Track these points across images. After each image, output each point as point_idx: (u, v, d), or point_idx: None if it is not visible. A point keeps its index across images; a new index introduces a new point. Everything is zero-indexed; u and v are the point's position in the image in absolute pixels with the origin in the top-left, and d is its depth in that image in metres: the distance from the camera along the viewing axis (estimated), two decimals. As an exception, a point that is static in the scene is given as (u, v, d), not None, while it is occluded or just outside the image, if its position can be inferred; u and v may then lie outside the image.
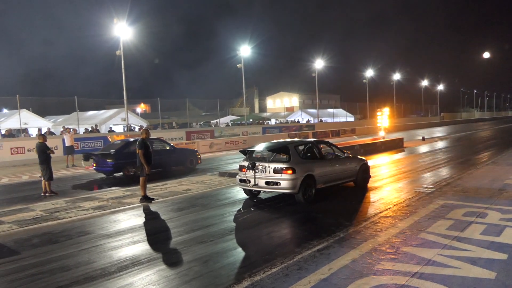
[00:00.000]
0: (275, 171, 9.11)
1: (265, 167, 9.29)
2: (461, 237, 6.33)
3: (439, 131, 42.71)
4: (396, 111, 66.96)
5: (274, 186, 9.17)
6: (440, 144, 26.12)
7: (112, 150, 15.06)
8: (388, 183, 12.28)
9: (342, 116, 65.28)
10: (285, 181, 9.03)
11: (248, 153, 9.93)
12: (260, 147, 10.05)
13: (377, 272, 5.04)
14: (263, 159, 9.73)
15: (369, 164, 11.87)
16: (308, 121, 58.23)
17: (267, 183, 9.23)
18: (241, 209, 9.37)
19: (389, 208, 8.74)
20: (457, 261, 5.34)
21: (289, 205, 9.54)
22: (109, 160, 14.63)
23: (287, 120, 61.42)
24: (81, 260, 6.09)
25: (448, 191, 10.16)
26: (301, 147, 10.05)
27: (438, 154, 19.76)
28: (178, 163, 16.53)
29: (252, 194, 10.37)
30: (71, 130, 21.78)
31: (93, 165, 15.40)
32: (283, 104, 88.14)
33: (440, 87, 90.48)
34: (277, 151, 9.72)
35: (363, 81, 62.95)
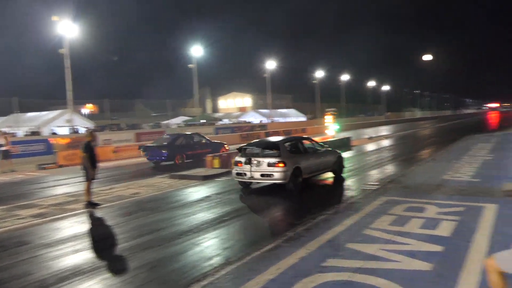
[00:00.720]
0: (269, 164, 10.59)
1: (259, 161, 10.74)
2: (402, 232, 6.63)
3: (384, 130, 44.53)
4: (345, 110, 69.28)
5: (268, 178, 10.66)
6: (386, 143, 27.27)
7: (165, 143, 18.65)
8: (336, 181, 12.64)
9: (293, 116, 66.50)
10: (277, 173, 10.52)
11: (242, 150, 11.47)
12: (253, 144, 11.55)
13: (323, 269, 5.15)
14: (256, 154, 11.00)
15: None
16: (260, 121, 58.72)
17: (262, 175, 10.72)
18: (192, 211, 9.25)
19: (337, 205, 8.99)
20: (398, 255, 5.58)
21: (239, 210, 9.54)
22: (164, 151, 18.00)
23: (239, 120, 61.55)
24: (17, 273, 5.71)
25: (392, 187, 10.62)
26: (288, 144, 11.59)
27: (383, 152, 20.64)
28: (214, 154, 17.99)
29: (246, 185, 11.77)
30: (7, 132, 20.40)
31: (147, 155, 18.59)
32: (235, 104, 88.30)
33: (386, 87, 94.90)
34: (269, 148, 11.10)
35: (313, 81, 64.50)
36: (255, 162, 10.80)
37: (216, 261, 5.91)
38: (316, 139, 25.69)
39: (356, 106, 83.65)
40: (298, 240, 6.52)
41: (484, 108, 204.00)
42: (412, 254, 5.57)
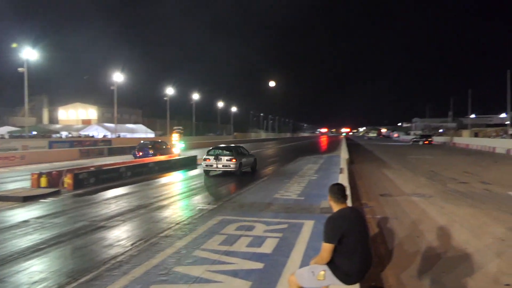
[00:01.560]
0: (227, 160, 18.45)
1: (221, 158, 18.52)
2: (230, 251, 6.83)
3: None
4: (195, 129, 70.23)
5: (227, 168, 18.52)
6: None
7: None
8: (175, 201, 12.52)
9: (142, 132, 64.33)
10: (232, 165, 18.39)
11: (209, 151, 19.31)
12: (217, 147, 19.81)
13: (144, 298, 4.89)
14: (219, 154, 18.80)
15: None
16: (104, 136, 54.97)
17: (223, 165, 18.46)
18: (1, 239, 7.87)
19: (171, 227, 8.83)
20: (221, 275, 5.69)
21: (61, 235, 8.55)
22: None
23: (80, 134, 56.52)
24: None
25: (227, 206, 10.99)
26: (236, 148, 19.96)
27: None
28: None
29: (209, 174, 19.03)
30: None
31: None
32: (78, 116, 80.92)
33: (234, 108, 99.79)
34: (226, 150, 19.22)
35: (165, 98, 63.75)
36: (218, 158, 18.58)
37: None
38: (163, 157, 25.37)
39: (206, 124, 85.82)
40: (122, 267, 6.11)
41: (316, 132, 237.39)
42: (235, 273, 5.75)
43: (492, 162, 26.93)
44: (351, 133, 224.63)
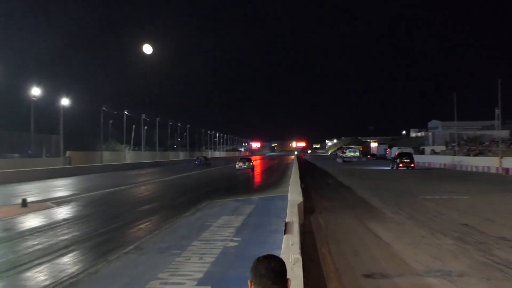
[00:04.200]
0: (249, 164, 39.91)
1: (245, 162, 40.28)
2: None
3: (62, 187, 24.17)
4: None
5: (248, 167, 38.55)
6: (61, 213, 14.47)
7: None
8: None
9: None
10: (251, 166, 39.72)
11: (240, 158, 47.05)
12: (242, 159, 46.78)
13: None
14: (244, 160, 42.18)
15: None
16: None
17: (247, 167, 38.52)
18: None
19: None
20: None
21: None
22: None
23: None
24: None
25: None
26: (249, 158, 50.48)
27: (58, 232, 10.97)
28: None
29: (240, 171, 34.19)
30: None
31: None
32: None
33: (65, 102, 38.26)
34: (246, 160, 43.44)
35: None
36: (245, 162, 39.00)
37: None
38: None
39: (9, 136, 35.97)
40: None
41: (240, 150, 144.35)
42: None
43: None
44: (309, 151, 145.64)
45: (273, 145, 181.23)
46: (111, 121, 51.40)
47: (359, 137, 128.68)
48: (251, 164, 39.09)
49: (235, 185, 26.19)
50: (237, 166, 37.90)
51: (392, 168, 39.80)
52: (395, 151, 52.54)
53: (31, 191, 20.53)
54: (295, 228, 6.87)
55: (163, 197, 19.47)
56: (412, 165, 38.51)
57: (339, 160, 65.16)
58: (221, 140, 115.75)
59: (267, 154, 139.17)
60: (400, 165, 38.54)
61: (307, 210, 12.06)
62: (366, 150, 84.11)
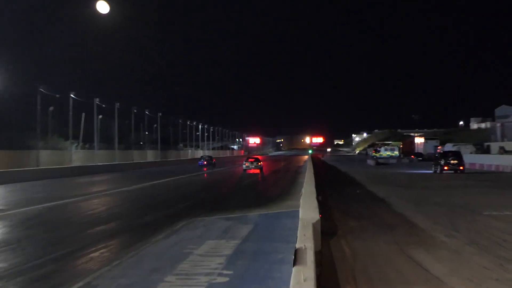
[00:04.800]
0: (257, 164, 34.98)
1: (252, 162, 35.34)
2: None
3: None
4: None
5: (256, 167, 34.35)
6: None
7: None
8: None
9: None
10: (259, 166, 34.67)
11: (246, 159, 37.46)
12: (250, 157, 38.83)
13: None
14: (252, 160, 36.49)
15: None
16: None
17: (255, 167, 34.57)
18: None
19: None
20: None
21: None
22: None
23: None
24: None
25: None
26: (258, 158, 38.15)
27: None
28: None
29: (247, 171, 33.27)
30: None
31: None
32: None
33: None
34: (255, 160, 36.16)
35: None
36: (253, 162, 34.67)
37: None
38: None
39: None
40: None
41: (233, 148, 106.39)
42: None
43: None
44: (328, 150, 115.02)
45: (278, 141, 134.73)
46: (51, 108, 34.17)
47: (399, 130, 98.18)
48: (259, 164, 34.53)
49: (226, 195, 19.61)
50: (244, 166, 34.73)
51: (435, 171, 30.68)
52: (449, 148, 40.90)
53: None
54: (309, 257, 4.93)
55: (126, 214, 14.25)
56: (461, 167, 29.90)
57: (370, 162, 49.74)
58: (207, 134, 79.08)
59: (270, 154, 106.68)
60: (445, 167, 29.72)
61: (326, 232, 9.07)
62: (408, 148, 62.93)
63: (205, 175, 35.29)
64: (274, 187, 23.50)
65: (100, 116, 41.00)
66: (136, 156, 48.64)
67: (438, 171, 30.29)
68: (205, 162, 45.49)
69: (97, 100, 39.79)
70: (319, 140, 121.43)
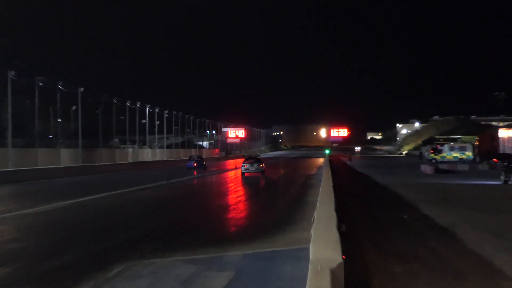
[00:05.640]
0: (258, 165, 29.59)
1: (253, 164, 29.69)
2: None
3: None
4: None
5: (257, 170, 29.15)
6: None
7: None
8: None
9: None
10: (261, 168, 29.31)
11: (246, 159, 31.72)
12: (250, 158, 33.93)
13: None
14: (252, 161, 30.73)
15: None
16: None
17: (255, 169, 29.20)
18: None
19: None
20: None
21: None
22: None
23: None
24: None
25: None
26: (258, 158, 33.57)
27: None
28: None
29: (245, 175, 29.06)
30: None
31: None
32: None
33: None
34: (255, 159, 31.87)
35: None
36: (253, 163, 29.73)
37: None
38: None
39: None
40: None
41: (203, 145, 73.84)
42: None
43: None
44: (357, 149, 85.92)
45: (275, 134, 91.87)
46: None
47: (472, 117, 68.50)
48: (260, 166, 28.87)
49: (189, 222, 12.44)
50: (242, 169, 29.09)
51: (506, 182, 21.54)
52: None
53: None
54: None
55: (24, 253, 8.59)
56: None
57: (426, 169, 31.77)
58: (159, 122, 50.45)
59: (264, 155, 74.35)
60: None
61: (353, 282, 5.69)
62: (488, 146, 41.53)
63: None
64: (269, 208, 15.27)
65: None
66: (43, 158, 30.29)
67: (510, 181, 21.39)
68: (195, 164, 37.13)
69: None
70: (341, 133, 73.65)
